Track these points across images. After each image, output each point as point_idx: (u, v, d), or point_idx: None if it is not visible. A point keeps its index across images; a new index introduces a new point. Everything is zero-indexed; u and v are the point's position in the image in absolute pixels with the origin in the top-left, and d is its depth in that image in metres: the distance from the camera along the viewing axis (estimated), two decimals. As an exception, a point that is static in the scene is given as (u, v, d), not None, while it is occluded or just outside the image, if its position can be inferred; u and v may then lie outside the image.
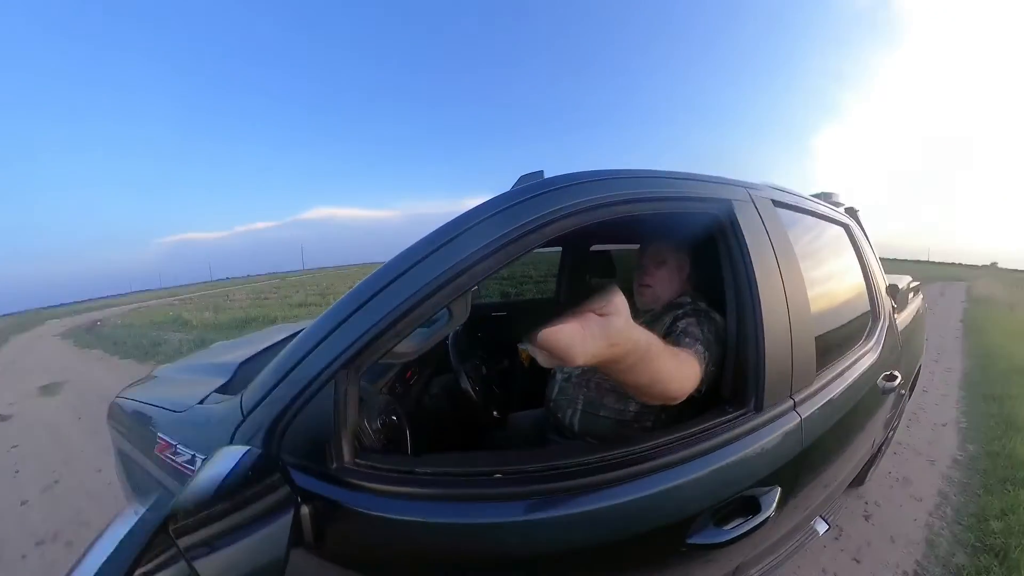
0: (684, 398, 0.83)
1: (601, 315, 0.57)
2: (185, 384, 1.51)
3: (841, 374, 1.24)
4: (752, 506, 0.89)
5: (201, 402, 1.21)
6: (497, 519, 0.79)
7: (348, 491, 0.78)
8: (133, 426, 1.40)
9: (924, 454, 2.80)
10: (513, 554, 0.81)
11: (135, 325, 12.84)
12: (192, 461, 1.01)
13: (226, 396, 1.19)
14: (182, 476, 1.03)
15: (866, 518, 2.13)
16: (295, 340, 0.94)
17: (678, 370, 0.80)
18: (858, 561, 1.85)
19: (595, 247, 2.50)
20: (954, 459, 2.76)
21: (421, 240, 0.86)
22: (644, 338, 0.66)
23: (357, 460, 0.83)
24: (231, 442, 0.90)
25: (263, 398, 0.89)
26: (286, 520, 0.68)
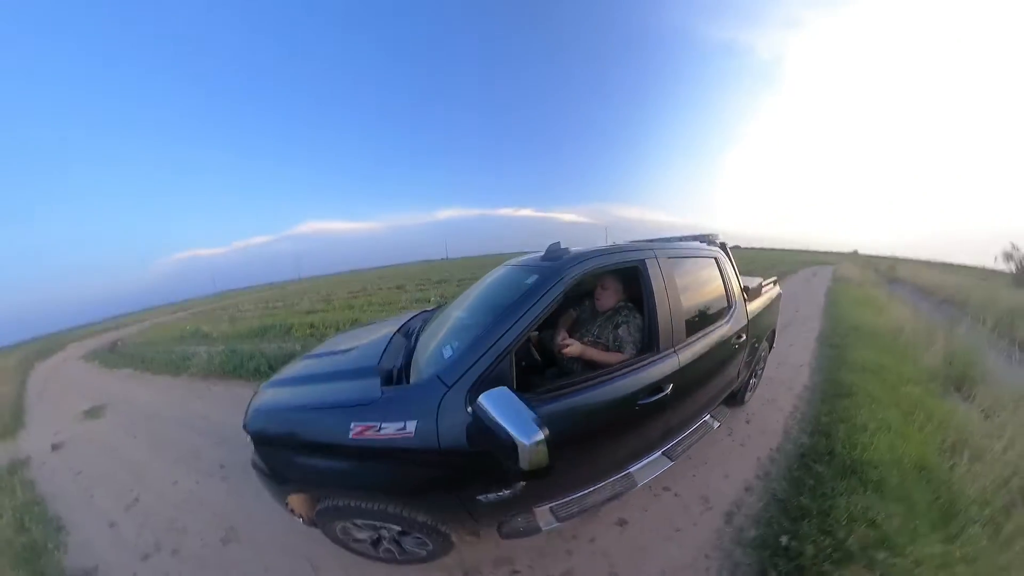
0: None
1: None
2: (330, 390, 1.87)
3: (705, 336, 2.28)
4: (661, 388, 1.90)
5: (382, 395, 1.64)
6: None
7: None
8: (295, 427, 1.72)
9: (786, 384, 4.00)
10: (584, 409, 1.71)
11: (157, 341, 12.15)
12: (403, 429, 1.48)
13: (401, 384, 1.75)
14: (390, 442, 1.49)
15: (747, 423, 3.18)
16: (474, 336, 1.68)
17: (608, 359, 1.97)
18: (743, 446, 2.86)
19: None
20: (804, 386, 3.98)
21: (525, 290, 1.80)
22: (581, 350, 1.97)
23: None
24: (438, 406, 1.50)
25: (463, 374, 1.55)
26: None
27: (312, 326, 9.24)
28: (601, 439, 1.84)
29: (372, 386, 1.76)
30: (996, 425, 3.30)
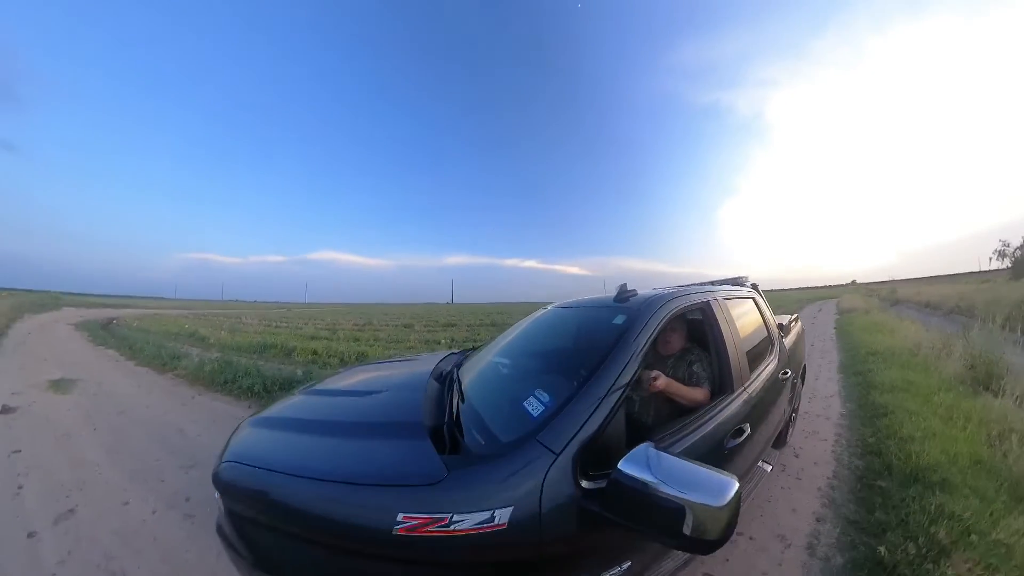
0: (706, 403, 1.75)
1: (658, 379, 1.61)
2: (356, 451, 1.43)
3: (760, 374, 2.23)
4: (741, 431, 1.81)
5: (450, 470, 1.16)
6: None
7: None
8: (294, 500, 1.23)
9: (822, 415, 4.07)
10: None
11: (151, 332, 11.66)
12: (492, 519, 1.03)
13: (468, 443, 1.34)
14: (464, 539, 1.03)
15: (796, 456, 3.22)
16: (575, 385, 1.37)
17: (692, 394, 1.77)
18: (800, 479, 2.89)
19: None
20: (840, 414, 4.05)
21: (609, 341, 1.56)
22: (667, 383, 1.64)
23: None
24: (542, 483, 1.09)
25: (574, 435, 1.19)
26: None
27: (315, 352, 8.66)
28: None
29: (424, 453, 1.30)
30: (1033, 410, 3.40)
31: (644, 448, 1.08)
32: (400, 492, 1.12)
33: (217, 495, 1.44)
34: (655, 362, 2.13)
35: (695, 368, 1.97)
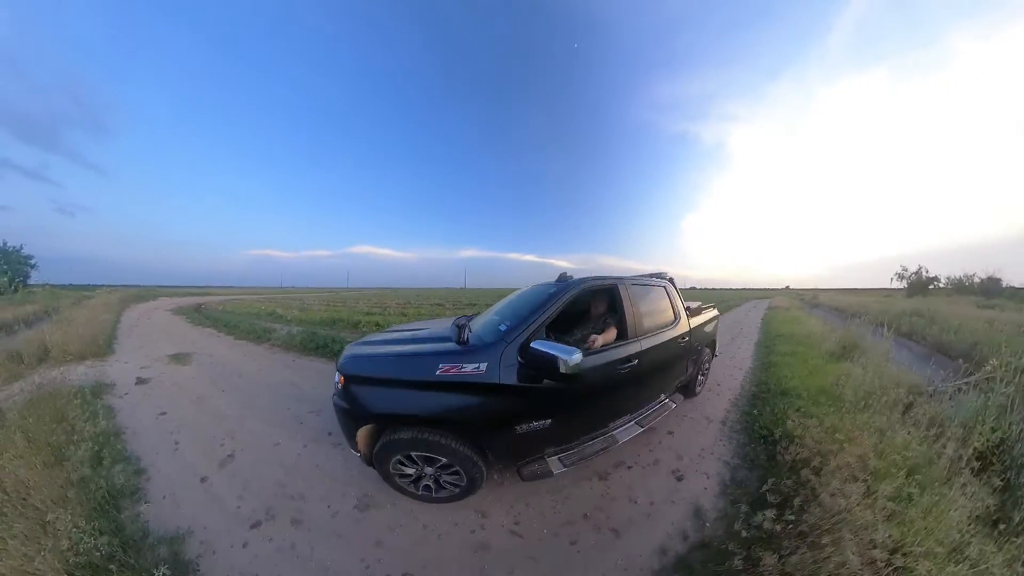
0: (612, 340, 2.89)
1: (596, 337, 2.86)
2: (417, 347, 2.37)
3: (657, 333, 3.21)
4: (631, 360, 2.81)
5: (459, 344, 2.24)
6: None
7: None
8: (388, 369, 2.20)
9: (739, 367, 5.95)
10: (587, 366, 2.32)
11: (236, 313, 12.69)
12: (478, 368, 2.08)
13: (470, 342, 2.29)
14: (467, 376, 2.06)
15: (718, 384, 5.01)
16: (521, 317, 2.43)
17: (606, 336, 2.89)
18: (719, 395, 4.64)
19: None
20: (749, 367, 5.94)
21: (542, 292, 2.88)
22: (602, 340, 2.81)
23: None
24: (500, 355, 2.15)
25: (516, 336, 2.27)
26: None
27: (377, 323, 9.88)
28: (597, 393, 2.60)
29: (451, 345, 2.32)
30: (865, 369, 5.37)
31: (543, 340, 2.17)
32: (440, 356, 2.19)
33: (338, 376, 2.31)
34: (589, 318, 3.37)
35: (608, 319, 3.10)
